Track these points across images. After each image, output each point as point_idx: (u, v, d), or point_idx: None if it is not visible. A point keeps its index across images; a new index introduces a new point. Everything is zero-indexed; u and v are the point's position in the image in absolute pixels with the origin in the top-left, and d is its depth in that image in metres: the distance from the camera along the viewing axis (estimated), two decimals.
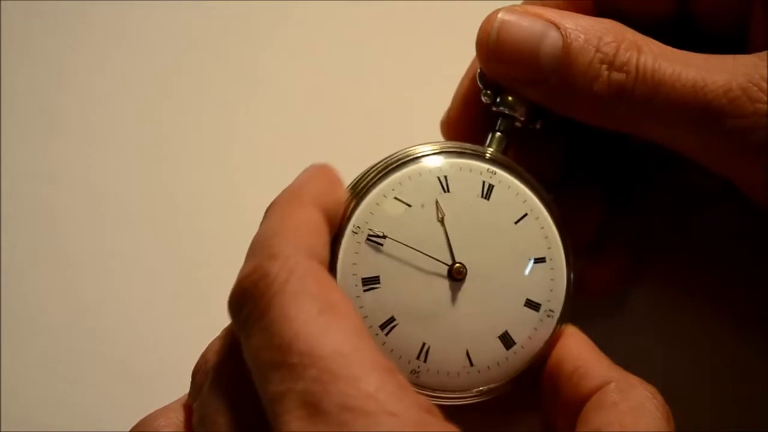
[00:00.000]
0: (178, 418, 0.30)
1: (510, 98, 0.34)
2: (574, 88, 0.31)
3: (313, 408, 0.24)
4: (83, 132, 0.45)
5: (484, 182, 0.33)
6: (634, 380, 0.30)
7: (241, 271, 0.27)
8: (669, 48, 0.31)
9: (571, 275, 0.33)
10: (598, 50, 0.31)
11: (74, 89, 0.46)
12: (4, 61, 0.46)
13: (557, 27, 0.32)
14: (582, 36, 0.31)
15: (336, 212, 0.31)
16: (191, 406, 0.29)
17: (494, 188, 0.33)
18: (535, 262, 0.33)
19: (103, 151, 0.45)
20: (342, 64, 0.43)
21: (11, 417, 0.39)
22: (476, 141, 0.34)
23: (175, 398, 0.31)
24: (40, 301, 0.41)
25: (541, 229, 0.33)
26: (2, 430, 0.38)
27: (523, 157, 0.35)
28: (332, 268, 0.32)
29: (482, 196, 0.33)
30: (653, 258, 0.38)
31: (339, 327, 0.25)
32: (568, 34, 0.31)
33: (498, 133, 0.34)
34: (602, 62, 0.31)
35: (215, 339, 0.30)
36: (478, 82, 0.34)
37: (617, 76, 0.31)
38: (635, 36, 0.31)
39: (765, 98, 0.29)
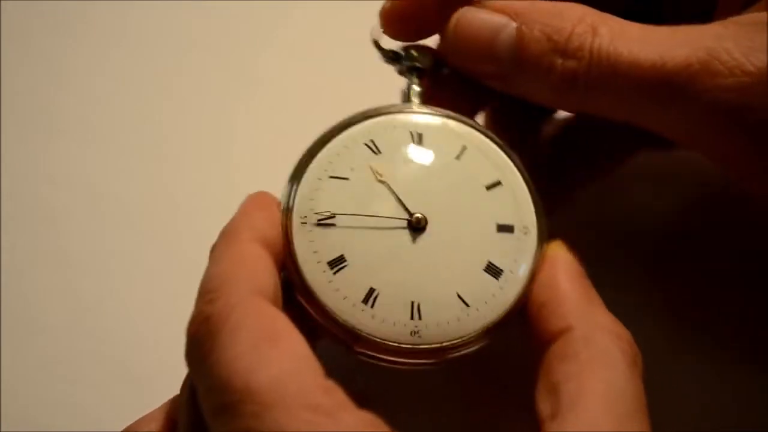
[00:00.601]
0: (158, 425, 0.30)
1: (413, 51, 0.34)
2: (532, 79, 0.31)
3: None
4: (83, 132, 0.45)
5: (411, 132, 0.32)
6: (601, 320, 0.29)
7: (189, 320, 0.27)
8: (629, 25, 0.31)
9: (533, 190, 0.32)
10: (549, 39, 0.31)
11: (74, 89, 0.46)
12: (4, 61, 0.46)
13: (514, 18, 0.31)
14: (537, 26, 0.31)
15: (277, 236, 0.30)
16: (172, 418, 0.30)
17: (423, 135, 0.32)
18: (490, 188, 0.32)
19: (103, 151, 0.45)
20: (342, 64, 0.43)
21: (11, 417, 0.39)
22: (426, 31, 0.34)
23: None
24: (41, 301, 0.41)
25: (485, 155, 0.32)
26: (2, 430, 0.38)
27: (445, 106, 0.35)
28: (294, 266, 0.31)
29: (415, 146, 0.32)
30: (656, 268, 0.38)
31: (275, 356, 0.25)
32: (522, 25, 0.31)
33: (412, 87, 0.34)
34: (555, 51, 0.31)
35: None
36: (376, 48, 0.35)
37: (570, 63, 0.30)
38: (593, 17, 0.31)
39: (726, 71, 0.29)
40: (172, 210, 0.43)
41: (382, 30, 0.34)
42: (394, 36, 0.34)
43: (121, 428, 0.31)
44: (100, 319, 0.41)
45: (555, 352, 0.28)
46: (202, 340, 0.26)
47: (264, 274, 0.28)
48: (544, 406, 0.27)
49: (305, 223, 0.31)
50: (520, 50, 0.31)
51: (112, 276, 0.42)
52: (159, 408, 0.31)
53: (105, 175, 0.44)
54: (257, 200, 0.31)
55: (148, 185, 0.44)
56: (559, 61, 0.30)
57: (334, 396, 0.25)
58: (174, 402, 0.30)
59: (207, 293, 0.27)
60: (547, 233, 0.32)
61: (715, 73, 0.29)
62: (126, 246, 0.42)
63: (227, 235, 0.30)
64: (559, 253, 0.31)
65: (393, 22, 0.34)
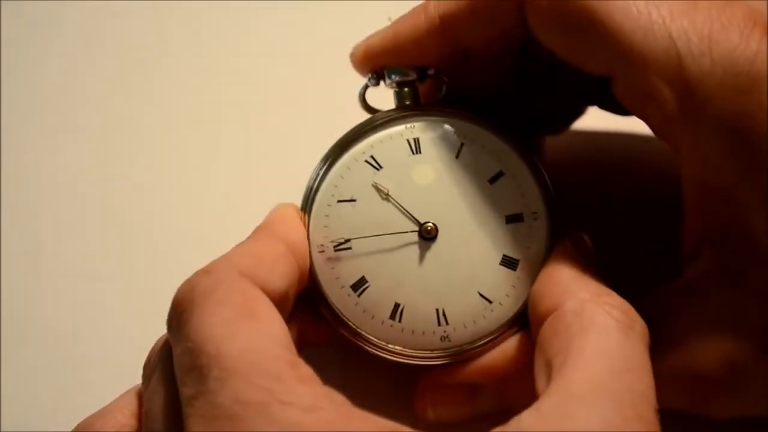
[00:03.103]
0: (129, 408, 0.30)
1: (399, 67, 0.34)
2: None
3: (212, 406, 0.25)
4: (82, 135, 0.45)
5: (408, 140, 0.33)
6: (591, 292, 0.28)
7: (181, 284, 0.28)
8: None
9: (540, 172, 0.33)
10: None
11: (71, 91, 0.46)
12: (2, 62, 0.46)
13: None
14: None
15: (304, 247, 0.32)
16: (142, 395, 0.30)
17: (420, 140, 0.33)
18: (493, 180, 0.33)
19: (103, 152, 0.45)
20: (336, 64, 0.43)
21: (11, 417, 0.39)
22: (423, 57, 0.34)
23: None
24: (41, 302, 0.42)
25: (484, 148, 0.33)
26: (2, 430, 0.39)
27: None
28: (320, 292, 0.32)
29: (414, 153, 0.33)
30: None
31: (251, 330, 0.26)
32: None
33: (404, 90, 0.34)
34: None
35: (164, 334, 0.30)
36: (365, 89, 0.35)
37: None
38: None
39: None
40: (172, 212, 0.43)
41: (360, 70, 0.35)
42: (370, 71, 0.35)
43: None
44: (100, 320, 0.41)
45: (547, 331, 0.28)
46: (186, 304, 0.27)
47: (272, 270, 0.29)
48: (540, 381, 0.27)
49: (323, 251, 0.32)
50: None
51: (113, 277, 0.42)
52: (123, 396, 0.31)
53: (104, 176, 0.44)
54: (292, 213, 0.32)
55: (148, 187, 0.44)
56: None
57: (298, 370, 0.26)
58: (139, 392, 0.31)
59: (207, 266, 0.29)
60: (559, 212, 0.32)
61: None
62: (127, 248, 0.43)
63: (262, 228, 0.31)
64: (562, 249, 0.32)
65: (375, 59, 0.34)
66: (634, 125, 0.39)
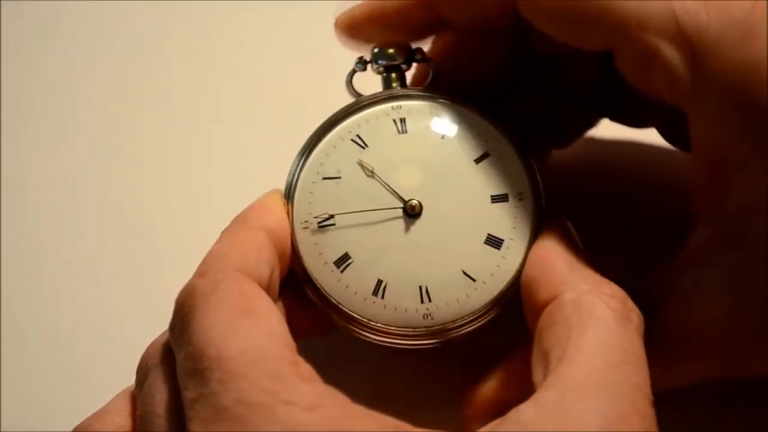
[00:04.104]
0: (125, 409, 0.30)
1: (388, 50, 0.34)
2: None
3: (215, 408, 0.25)
4: (82, 134, 0.45)
5: (394, 120, 0.33)
6: (589, 282, 0.28)
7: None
8: None
9: (524, 155, 0.33)
10: None
11: (71, 91, 0.46)
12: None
13: None
14: None
15: (282, 229, 0.31)
16: (136, 398, 0.30)
17: (407, 120, 0.33)
18: (479, 161, 0.33)
19: (103, 152, 0.45)
20: (337, 64, 0.43)
21: (11, 417, 0.39)
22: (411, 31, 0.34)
23: None
24: (41, 302, 0.42)
25: (470, 129, 0.33)
26: (2, 430, 0.39)
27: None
28: (303, 269, 0.32)
29: (400, 133, 0.33)
30: None
31: (249, 330, 0.26)
32: None
33: (391, 75, 0.35)
34: None
35: (158, 337, 0.30)
36: (353, 74, 0.35)
37: None
38: None
39: None
40: (171, 212, 0.43)
41: (343, 39, 0.35)
42: (354, 44, 0.35)
43: None
44: (100, 321, 0.41)
45: (544, 321, 0.28)
46: (186, 309, 0.27)
47: (258, 259, 0.29)
48: (537, 373, 0.27)
49: (306, 227, 0.32)
50: None
51: (112, 278, 0.42)
52: (118, 397, 0.31)
53: (103, 177, 0.44)
54: (270, 196, 0.32)
55: (147, 187, 0.44)
56: None
57: (299, 369, 0.26)
58: (133, 394, 0.30)
59: (201, 267, 0.29)
60: (543, 195, 0.32)
61: None
62: (126, 248, 0.43)
63: (238, 220, 0.31)
64: (552, 232, 0.31)
65: (360, 26, 0.34)
66: (634, 136, 0.40)
